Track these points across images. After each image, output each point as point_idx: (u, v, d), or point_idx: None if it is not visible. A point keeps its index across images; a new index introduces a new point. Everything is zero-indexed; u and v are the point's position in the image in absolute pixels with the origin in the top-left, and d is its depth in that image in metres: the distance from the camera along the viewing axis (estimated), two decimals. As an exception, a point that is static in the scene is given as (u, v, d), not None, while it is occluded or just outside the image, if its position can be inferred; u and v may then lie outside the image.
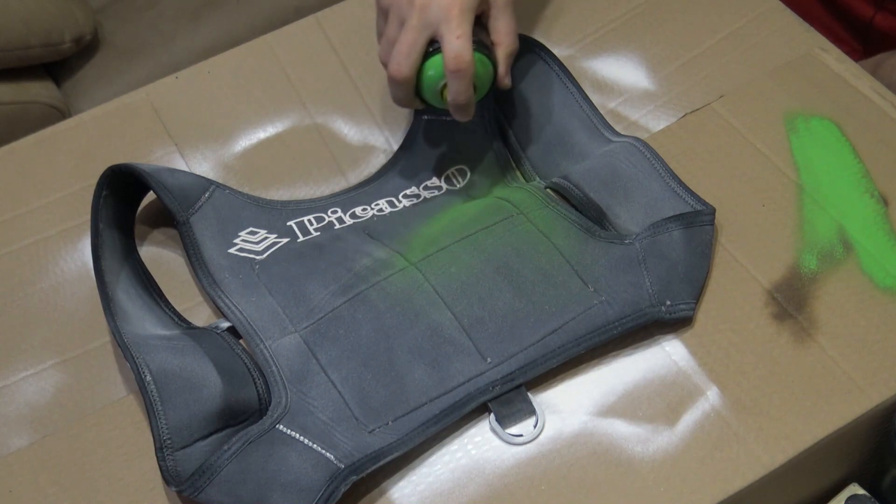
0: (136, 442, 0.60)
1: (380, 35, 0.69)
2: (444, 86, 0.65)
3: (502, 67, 0.67)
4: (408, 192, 0.71)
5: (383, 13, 0.67)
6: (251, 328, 0.62)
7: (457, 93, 0.64)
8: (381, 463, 0.55)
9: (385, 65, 0.66)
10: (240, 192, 0.70)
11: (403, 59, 0.64)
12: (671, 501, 0.55)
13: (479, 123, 0.71)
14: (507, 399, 0.59)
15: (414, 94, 0.67)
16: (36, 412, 0.62)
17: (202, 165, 0.74)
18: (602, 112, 0.72)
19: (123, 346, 0.59)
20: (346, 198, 0.71)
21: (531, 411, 0.59)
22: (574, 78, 0.73)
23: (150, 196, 0.71)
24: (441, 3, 0.63)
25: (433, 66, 0.65)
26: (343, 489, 0.54)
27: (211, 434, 0.57)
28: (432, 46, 0.64)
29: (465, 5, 0.63)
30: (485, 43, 0.66)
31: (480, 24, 0.67)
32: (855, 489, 0.63)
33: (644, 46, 0.77)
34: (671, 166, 0.67)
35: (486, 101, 0.71)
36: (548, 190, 0.69)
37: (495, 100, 0.73)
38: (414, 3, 0.64)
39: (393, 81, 0.66)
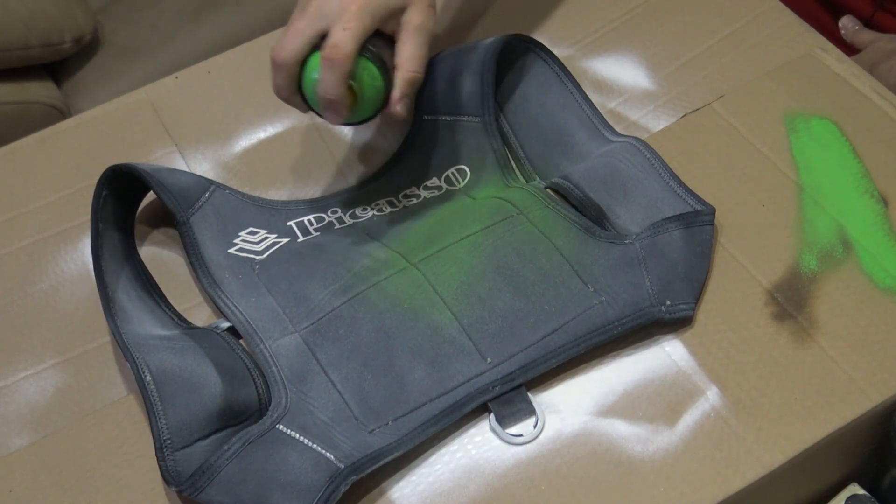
0: (136, 442, 0.60)
1: None
2: None
3: (398, 91, 0.64)
4: (408, 192, 0.71)
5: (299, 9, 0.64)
6: (251, 328, 0.62)
7: (325, 84, 0.60)
8: (381, 463, 0.55)
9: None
10: (240, 192, 0.70)
11: (287, 43, 0.62)
12: (671, 501, 0.55)
13: (479, 123, 0.71)
14: (507, 399, 0.59)
15: (296, 88, 0.64)
16: (36, 412, 0.62)
17: (202, 165, 0.74)
18: (602, 112, 0.72)
19: (123, 346, 0.59)
20: (346, 198, 0.71)
21: (531, 411, 0.59)
22: (574, 78, 0.73)
23: (150, 196, 0.70)
24: None
25: (315, 61, 0.62)
26: (343, 489, 0.54)
27: (211, 434, 0.57)
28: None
29: (367, 5, 0.61)
30: (382, 58, 0.63)
31: (390, 44, 0.65)
32: (855, 489, 0.63)
33: (644, 46, 0.77)
34: (671, 166, 0.67)
35: (486, 101, 0.71)
36: (548, 190, 0.69)
37: (495, 100, 0.73)
38: None
39: (273, 65, 0.63)
